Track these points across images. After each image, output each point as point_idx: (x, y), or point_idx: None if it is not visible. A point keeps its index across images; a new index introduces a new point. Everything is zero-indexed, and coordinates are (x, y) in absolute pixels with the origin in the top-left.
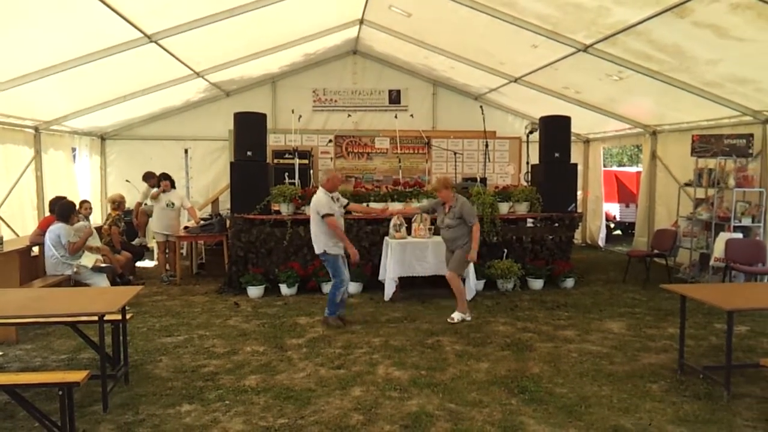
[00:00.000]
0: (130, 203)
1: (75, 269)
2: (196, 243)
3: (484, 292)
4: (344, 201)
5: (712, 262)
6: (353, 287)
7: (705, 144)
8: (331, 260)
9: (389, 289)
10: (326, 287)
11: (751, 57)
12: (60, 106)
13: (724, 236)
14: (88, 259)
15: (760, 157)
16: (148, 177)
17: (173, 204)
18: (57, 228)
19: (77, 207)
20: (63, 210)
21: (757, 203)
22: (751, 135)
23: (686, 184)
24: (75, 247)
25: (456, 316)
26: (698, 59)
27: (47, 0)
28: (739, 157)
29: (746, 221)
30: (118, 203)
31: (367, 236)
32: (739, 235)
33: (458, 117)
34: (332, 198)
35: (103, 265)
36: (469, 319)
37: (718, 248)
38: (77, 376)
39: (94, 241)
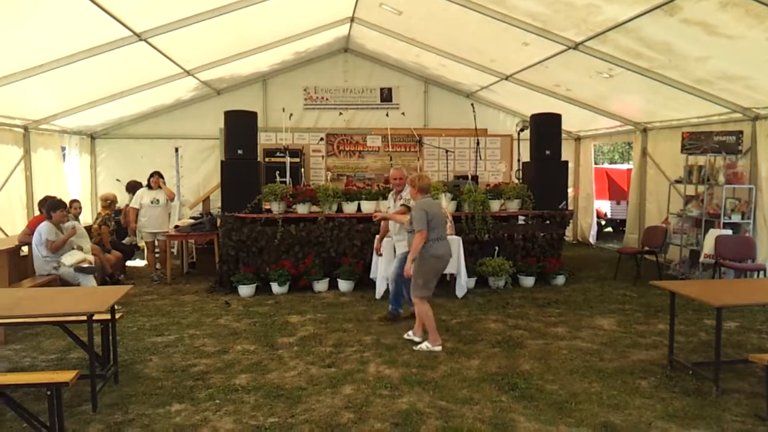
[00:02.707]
0: (121, 202)
1: (56, 269)
2: (186, 242)
3: (475, 289)
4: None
5: (702, 259)
6: (344, 285)
7: (695, 141)
8: None
9: (380, 287)
10: (318, 285)
11: (740, 54)
12: (49, 105)
13: (713, 233)
14: (70, 258)
15: (749, 153)
16: (132, 187)
17: (158, 201)
18: (40, 226)
19: (67, 206)
20: (47, 207)
21: (747, 200)
22: (741, 132)
23: (676, 181)
24: (54, 246)
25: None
26: (688, 56)
27: None
28: (728, 154)
29: (736, 218)
30: (110, 202)
31: (358, 234)
32: (729, 232)
33: (449, 115)
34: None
35: (85, 266)
36: None
37: (708, 245)
38: (66, 376)
39: (85, 241)
